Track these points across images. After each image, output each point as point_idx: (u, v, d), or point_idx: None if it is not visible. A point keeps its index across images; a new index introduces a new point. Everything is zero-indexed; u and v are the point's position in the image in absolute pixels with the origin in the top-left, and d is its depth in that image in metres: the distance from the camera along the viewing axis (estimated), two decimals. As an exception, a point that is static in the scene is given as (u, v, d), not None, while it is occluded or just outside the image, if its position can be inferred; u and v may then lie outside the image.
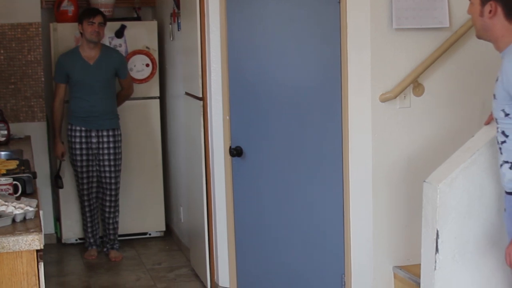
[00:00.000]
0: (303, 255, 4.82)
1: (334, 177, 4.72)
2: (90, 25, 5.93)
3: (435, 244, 3.57)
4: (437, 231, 3.55)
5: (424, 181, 3.64)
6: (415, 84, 4.51)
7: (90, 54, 6.09)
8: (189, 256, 6.02)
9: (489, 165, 3.55)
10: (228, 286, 4.95)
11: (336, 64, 4.57)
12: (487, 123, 3.61)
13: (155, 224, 6.94)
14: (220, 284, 5.04)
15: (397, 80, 4.48)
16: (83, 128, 6.09)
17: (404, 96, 4.51)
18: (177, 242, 6.63)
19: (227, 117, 4.75)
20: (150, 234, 6.91)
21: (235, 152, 4.69)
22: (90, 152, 6.17)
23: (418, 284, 3.91)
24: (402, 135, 4.59)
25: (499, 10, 3.18)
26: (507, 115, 3.17)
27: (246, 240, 4.91)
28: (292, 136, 4.72)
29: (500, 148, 3.25)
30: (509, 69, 3.11)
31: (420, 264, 3.79)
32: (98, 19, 5.94)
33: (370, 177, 4.57)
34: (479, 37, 3.38)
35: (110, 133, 6.13)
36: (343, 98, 4.57)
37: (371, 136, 4.53)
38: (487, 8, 3.17)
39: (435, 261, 3.58)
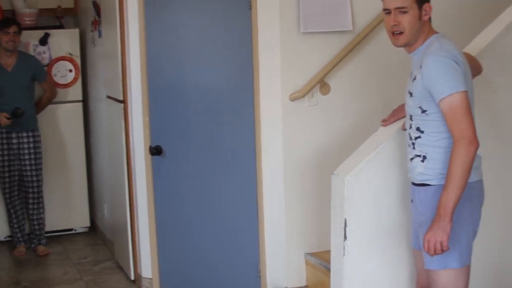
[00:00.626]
0: (220, 246, 4.80)
1: (248, 172, 4.71)
2: (5, 34, 5.83)
3: (343, 232, 3.54)
4: (345, 220, 3.53)
5: (332, 174, 3.62)
6: (321, 83, 4.53)
7: (7, 61, 5.97)
8: (113, 250, 5.91)
9: (393, 158, 3.55)
10: (151, 277, 4.88)
11: (248, 67, 4.56)
12: (386, 125, 3.58)
13: (80, 220, 6.79)
14: (143, 275, 4.96)
15: (305, 80, 4.50)
16: (4, 130, 5.96)
17: (312, 95, 4.53)
18: (101, 237, 6.51)
19: (147, 118, 4.68)
20: (75, 230, 6.77)
21: (155, 151, 4.63)
22: (11, 152, 6.04)
23: (328, 269, 3.89)
24: (311, 131, 4.60)
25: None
26: (424, 111, 3.10)
27: (167, 234, 4.85)
28: (209, 135, 4.69)
29: (413, 143, 3.17)
30: (431, 66, 3.03)
31: (330, 251, 3.76)
32: (13, 29, 5.84)
33: (281, 171, 4.58)
34: (407, 43, 3.15)
35: (30, 134, 6.02)
36: (255, 98, 4.57)
37: (282, 133, 4.54)
38: (424, 9, 3.08)
39: (344, 248, 3.56)
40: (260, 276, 4.78)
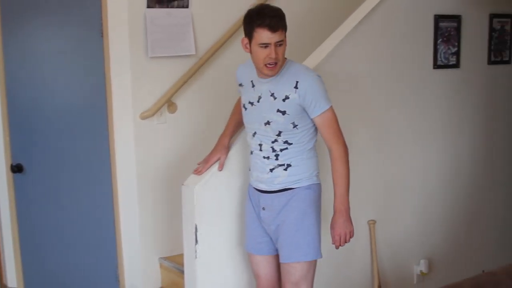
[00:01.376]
0: (81, 254, 4.70)
1: (104, 185, 4.62)
2: None
3: (194, 237, 3.55)
4: (196, 225, 3.54)
5: (182, 185, 3.63)
6: (169, 103, 4.52)
7: None
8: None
9: (236, 168, 3.60)
10: (16, 286, 4.72)
11: (101, 89, 4.48)
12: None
13: None
14: (9, 285, 4.80)
15: (154, 100, 4.46)
16: None
17: (161, 114, 4.51)
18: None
19: (7, 138, 4.54)
20: None
21: (16, 168, 4.52)
22: None
23: (182, 271, 3.88)
24: (161, 147, 4.58)
25: None
26: (295, 126, 3.15)
27: (31, 244, 4.73)
28: (66, 152, 4.59)
29: (277, 155, 3.19)
30: (309, 85, 3.10)
31: (183, 254, 3.76)
32: None
33: (135, 183, 4.52)
34: (277, 71, 3.18)
35: None
36: (108, 118, 4.49)
37: (134, 149, 4.48)
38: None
39: (196, 251, 3.57)
40: (118, 280, 4.71)
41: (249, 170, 3.41)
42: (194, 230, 3.55)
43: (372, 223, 4.21)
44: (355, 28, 4.01)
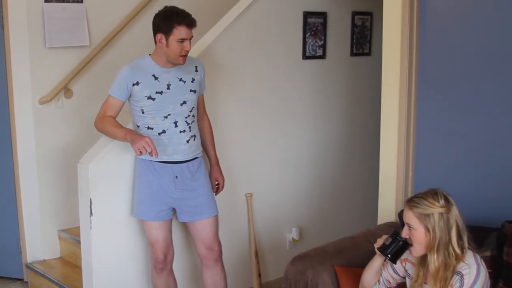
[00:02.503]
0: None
1: (5, 165, 4.78)
2: None
3: (89, 210, 3.70)
4: (91, 199, 3.70)
5: (78, 162, 3.78)
6: (65, 89, 4.73)
7: None
8: None
9: (125, 146, 3.72)
10: None
11: (2, 77, 4.63)
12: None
13: None
14: None
15: (51, 87, 4.66)
16: None
17: (58, 99, 4.72)
18: None
19: None
20: None
21: None
22: None
23: (79, 242, 4.01)
24: (59, 129, 4.77)
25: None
26: (196, 101, 3.73)
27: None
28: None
29: (190, 127, 3.67)
30: (202, 69, 3.74)
31: (79, 226, 3.88)
32: None
33: (35, 162, 4.70)
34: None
35: None
36: (9, 104, 4.65)
37: (34, 131, 4.66)
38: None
39: (91, 222, 3.72)
40: (21, 251, 4.85)
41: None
42: (89, 204, 3.69)
43: (249, 196, 4.51)
44: (233, 22, 4.30)
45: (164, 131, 3.61)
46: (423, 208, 2.53)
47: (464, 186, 3.44)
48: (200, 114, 3.86)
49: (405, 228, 2.61)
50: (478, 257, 2.55)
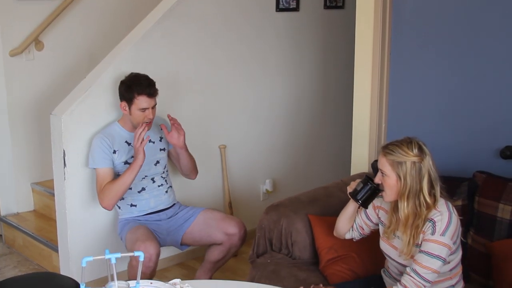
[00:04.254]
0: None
1: None
2: None
3: (63, 161, 3.70)
4: (64, 151, 3.69)
5: (51, 114, 3.75)
6: (36, 41, 4.66)
7: None
8: None
9: (99, 100, 3.77)
10: None
11: None
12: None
13: None
14: None
15: (22, 39, 4.60)
16: None
17: (29, 51, 4.65)
18: None
19: None
20: None
21: None
22: None
23: (52, 194, 4.01)
24: (31, 81, 4.71)
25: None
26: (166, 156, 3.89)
27: None
28: None
29: (166, 180, 3.83)
30: (167, 124, 3.76)
31: (53, 179, 3.88)
32: None
33: (6, 116, 4.66)
34: (151, 126, 3.71)
35: None
36: None
37: (5, 84, 4.60)
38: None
39: (64, 173, 3.73)
40: None
41: (134, 206, 3.74)
42: (62, 155, 3.69)
43: (222, 148, 4.52)
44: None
45: (143, 189, 3.73)
46: (396, 155, 2.53)
47: (436, 137, 3.45)
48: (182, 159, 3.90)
49: (378, 173, 2.62)
50: (450, 205, 2.57)
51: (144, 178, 3.70)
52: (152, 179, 3.75)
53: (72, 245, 3.85)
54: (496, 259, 2.87)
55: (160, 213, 3.79)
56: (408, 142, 2.55)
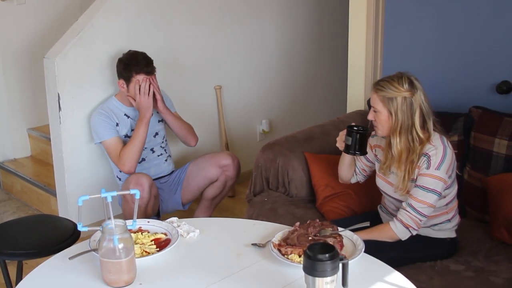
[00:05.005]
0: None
1: None
2: None
3: (58, 105, 3.68)
4: (59, 94, 3.66)
5: (44, 57, 3.71)
6: None
7: None
8: None
9: (92, 40, 3.73)
10: None
11: None
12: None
13: None
14: None
15: None
16: None
17: None
18: None
19: None
20: None
21: None
22: None
23: (49, 139, 4.03)
24: (23, 26, 4.67)
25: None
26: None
27: None
28: None
29: (165, 149, 3.84)
30: (164, 94, 3.76)
31: (48, 124, 3.88)
32: None
33: (0, 58, 4.61)
34: None
35: None
36: None
37: None
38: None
39: (60, 117, 3.71)
40: None
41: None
42: (57, 99, 3.67)
43: (218, 88, 4.50)
44: None
45: (143, 159, 3.73)
46: (387, 91, 2.51)
47: (432, 73, 3.43)
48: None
49: (371, 110, 2.60)
50: (445, 139, 2.56)
51: (144, 149, 3.68)
52: (152, 149, 3.77)
53: (70, 189, 3.86)
54: (492, 194, 2.89)
55: (160, 179, 3.82)
56: (398, 78, 2.53)
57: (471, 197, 3.03)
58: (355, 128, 2.63)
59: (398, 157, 2.56)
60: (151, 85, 3.54)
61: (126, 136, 3.68)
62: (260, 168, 3.26)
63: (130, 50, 3.66)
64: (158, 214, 3.72)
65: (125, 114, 3.69)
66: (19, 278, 2.80)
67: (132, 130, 3.65)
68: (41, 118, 4.71)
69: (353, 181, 2.92)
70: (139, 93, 3.52)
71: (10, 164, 4.79)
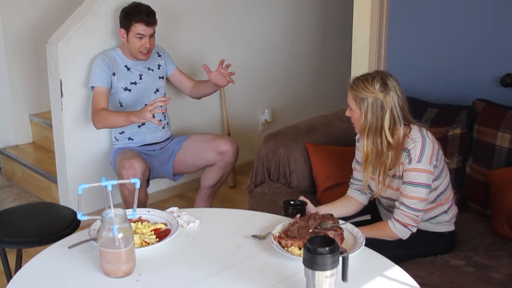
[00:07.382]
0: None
1: None
2: None
3: (60, 91, 3.67)
4: (61, 80, 3.65)
5: (47, 43, 3.70)
6: None
7: None
8: None
9: (95, 27, 3.73)
10: None
11: None
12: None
13: None
14: None
15: None
16: None
17: None
18: None
19: None
20: None
21: None
22: None
23: (51, 125, 4.01)
24: (25, 11, 4.64)
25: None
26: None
27: None
28: None
29: (165, 116, 3.81)
30: (163, 50, 3.80)
31: (50, 110, 3.88)
32: None
33: (3, 47, 4.60)
34: (149, 57, 3.70)
35: None
36: None
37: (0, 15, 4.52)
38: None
39: (62, 104, 3.70)
40: None
41: (131, 139, 3.75)
42: (59, 85, 3.66)
43: None
44: None
45: (143, 123, 3.69)
46: (359, 91, 2.46)
47: (436, 65, 3.41)
48: (189, 82, 3.90)
49: (348, 107, 2.56)
50: (424, 130, 2.51)
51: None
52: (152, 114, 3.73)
53: (71, 176, 3.85)
54: (494, 188, 2.87)
55: (155, 145, 3.80)
56: (373, 77, 2.46)
57: (473, 191, 3.01)
58: (291, 202, 2.53)
59: (365, 158, 2.53)
60: (160, 106, 3.43)
61: (126, 89, 3.66)
62: (261, 159, 3.25)
63: (134, 1, 3.66)
64: (148, 181, 3.70)
65: (125, 66, 3.68)
66: (19, 266, 2.79)
67: (132, 83, 3.66)
68: (44, 104, 4.70)
69: (362, 201, 2.74)
70: (148, 104, 3.38)
71: (11, 150, 4.78)
